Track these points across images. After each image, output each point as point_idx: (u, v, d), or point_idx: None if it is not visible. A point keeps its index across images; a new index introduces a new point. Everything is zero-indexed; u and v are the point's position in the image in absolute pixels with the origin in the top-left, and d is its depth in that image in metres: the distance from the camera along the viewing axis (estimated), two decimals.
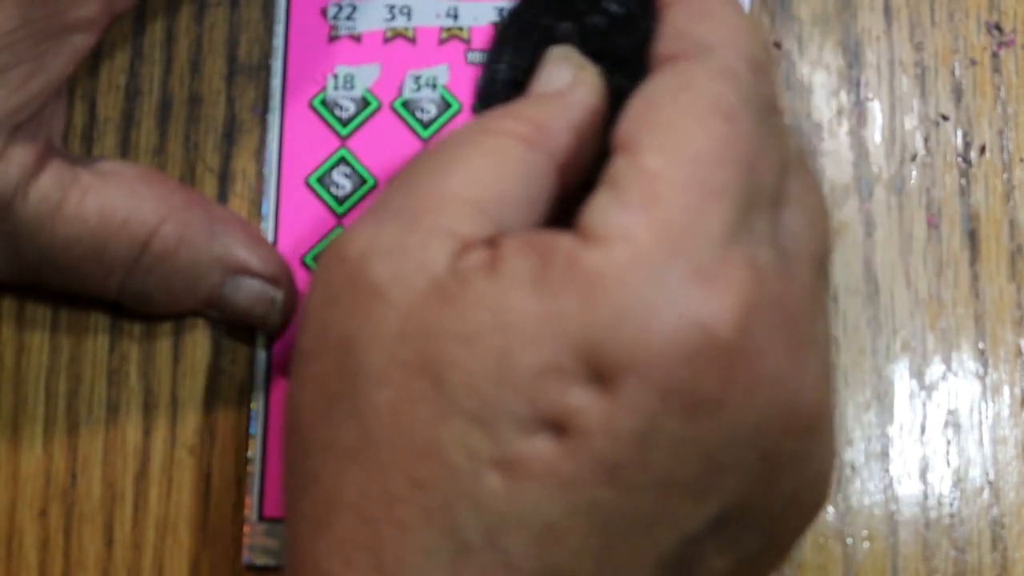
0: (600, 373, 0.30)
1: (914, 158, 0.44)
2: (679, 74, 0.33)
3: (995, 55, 0.44)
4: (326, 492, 0.32)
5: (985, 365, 0.43)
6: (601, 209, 0.31)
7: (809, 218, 0.34)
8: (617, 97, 0.36)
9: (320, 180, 0.43)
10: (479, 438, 0.30)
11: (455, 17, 0.44)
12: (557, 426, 0.30)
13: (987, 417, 0.42)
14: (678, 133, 0.32)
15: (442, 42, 0.44)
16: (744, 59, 0.34)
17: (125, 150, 0.44)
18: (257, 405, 0.42)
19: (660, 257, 0.30)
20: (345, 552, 0.31)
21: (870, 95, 0.44)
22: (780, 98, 0.35)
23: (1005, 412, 0.42)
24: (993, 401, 0.42)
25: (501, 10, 0.44)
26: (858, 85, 0.44)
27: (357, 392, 0.31)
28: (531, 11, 0.39)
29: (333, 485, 0.32)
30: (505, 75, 0.39)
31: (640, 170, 0.31)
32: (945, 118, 0.44)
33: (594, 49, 0.37)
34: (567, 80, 0.36)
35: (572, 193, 0.35)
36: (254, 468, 0.42)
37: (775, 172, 0.33)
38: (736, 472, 0.31)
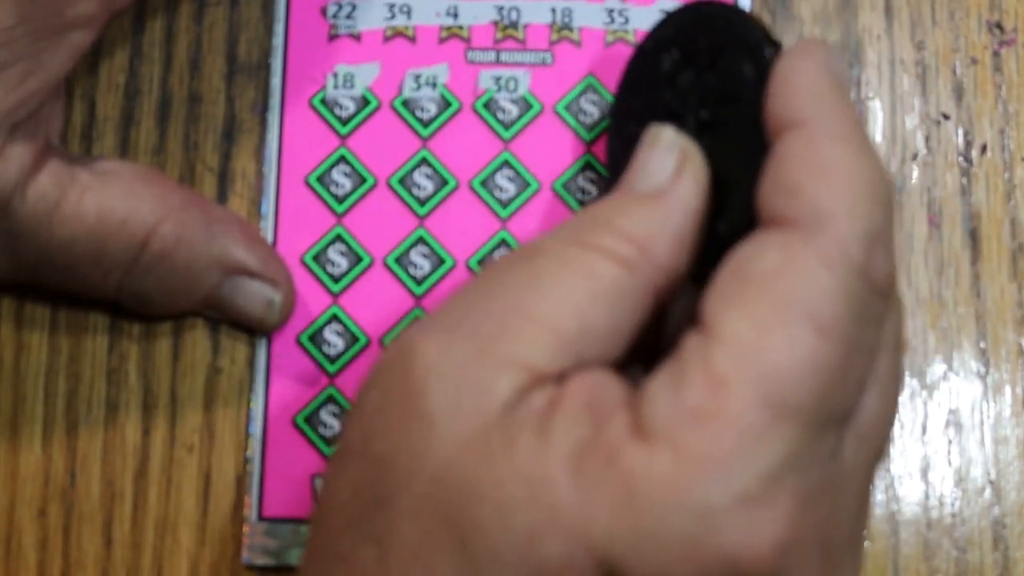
0: None
1: (915, 157, 0.44)
2: (781, 253, 0.30)
3: (996, 54, 0.44)
4: None
5: (986, 364, 0.43)
6: (659, 400, 0.30)
7: (881, 411, 0.32)
8: (720, 182, 0.34)
9: (320, 179, 0.43)
10: None
11: (455, 16, 0.44)
12: None
13: (988, 416, 0.42)
14: (758, 336, 0.29)
15: (442, 41, 0.44)
16: (861, 235, 0.31)
17: (124, 149, 0.44)
18: (256, 405, 0.42)
19: (703, 479, 0.29)
20: None
21: (871, 94, 0.44)
22: (893, 273, 0.32)
23: (1006, 411, 0.42)
24: (994, 400, 0.42)
25: (500, 8, 0.44)
26: (859, 84, 0.44)
27: (385, 519, 0.31)
28: (657, 41, 0.38)
29: None
30: (627, 125, 0.38)
31: (708, 367, 0.29)
32: (946, 117, 0.44)
33: (705, 112, 0.36)
34: (669, 173, 0.34)
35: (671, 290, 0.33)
36: (253, 468, 0.42)
37: (858, 386, 0.31)
38: None
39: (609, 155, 0.40)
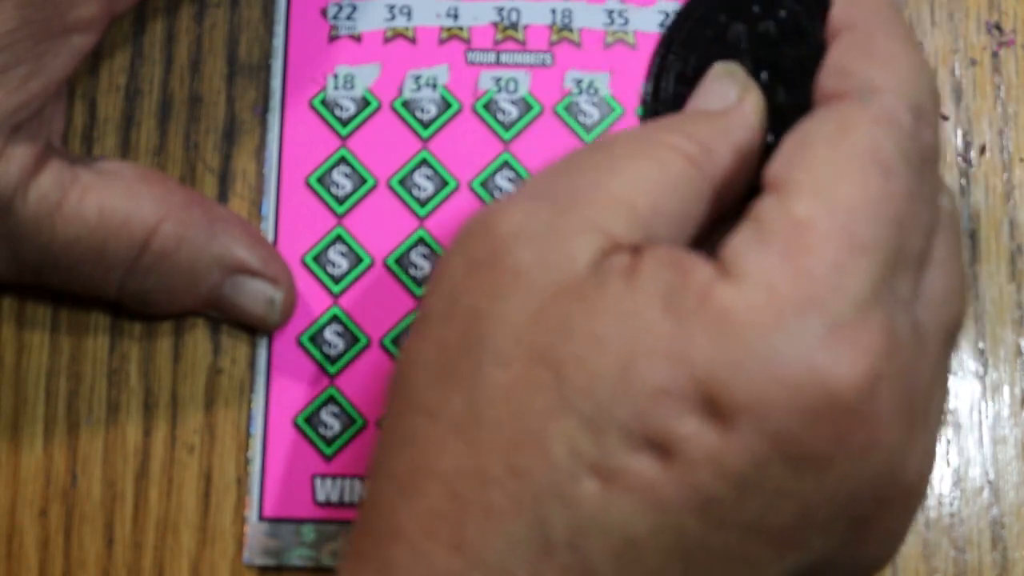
0: (716, 407, 0.30)
1: None
2: (839, 117, 0.33)
3: (995, 55, 0.44)
4: (421, 457, 0.32)
5: (985, 365, 0.43)
6: (744, 246, 0.31)
7: (948, 286, 0.33)
8: (776, 113, 0.36)
9: (320, 180, 0.43)
10: (586, 441, 0.30)
11: (455, 17, 0.44)
12: (663, 448, 0.30)
13: (987, 417, 0.42)
14: (832, 181, 0.31)
15: (442, 42, 0.44)
16: (909, 106, 0.33)
17: (125, 150, 0.44)
18: (257, 405, 0.42)
19: (796, 308, 0.30)
20: (429, 522, 0.31)
21: None
22: (939, 149, 0.34)
23: (1005, 412, 0.42)
24: (993, 401, 0.42)
25: (500, 9, 0.44)
26: None
27: (476, 366, 0.32)
28: (704, 8, 0.39)
29: (430, 452, 0.32)
30: (674, 73, 0.39)
31: (788, 214, 0.31)
32: (945, 118, 0.44)
33: (761, 57, 0.37)
34: (732, 99, 0.36)
35: (720, 215, 0.35)
36: (254, 468, 0.42)
37: (924, 232, 0.32)
38: (826, 531, 0.31)
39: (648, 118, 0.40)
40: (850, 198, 0.31)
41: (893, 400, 0.31)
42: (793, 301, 0.30)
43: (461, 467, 0.31)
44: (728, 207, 0.35)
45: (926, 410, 0.32)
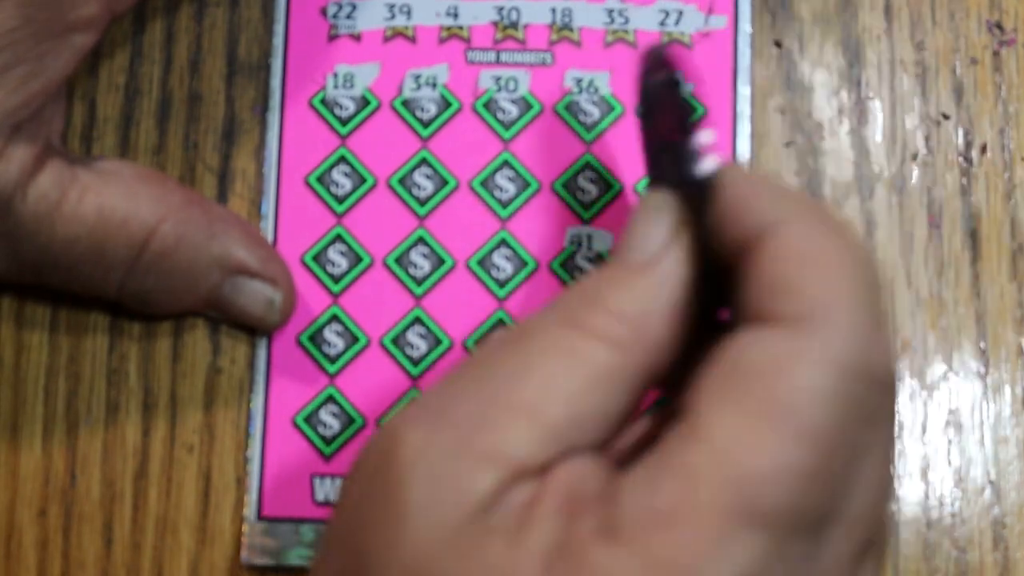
0: None
1: (915, 157, 0.44)
2: (780, 349, 0.29)
3: (996, 54, 0.44)
4: None
5: (986, 364, 0.43)
6: (632, 496, 0.29)
7: (868, 505, 0.31)
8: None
9: (320, 179, 0.43)
10: None
11: (455, 16, 0.44)
12: None
13: (988, 416, 0.42)
14: (740, 439, 0.29)
15: (442, 41, 0.44)
16: (857, 330, 0.29)
17: (125, 150, 0.44)
18: (256, 405, 0.42)
19: None
20: None
21: (871, 94, 0.44)
22: (893, 366, 0.31)
23: (1006, 411, 0.42)
24: (994, 400, 0.42)
25: (500, 8, 0.44)
26: (859, 84, 0.44)
27: None
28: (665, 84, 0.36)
29: None
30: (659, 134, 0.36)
31: (684, 467, 0.29)
32: (946, 117, 0.44)
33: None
34: (661, 241, 0.33)
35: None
36: (253, 468, 0.42)
37: (841, 488, 0.30)
38: None
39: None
40: (752, 464, 0.29)
41: None
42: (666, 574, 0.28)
43: None
44: (663, 371, 0.33)
45: None
